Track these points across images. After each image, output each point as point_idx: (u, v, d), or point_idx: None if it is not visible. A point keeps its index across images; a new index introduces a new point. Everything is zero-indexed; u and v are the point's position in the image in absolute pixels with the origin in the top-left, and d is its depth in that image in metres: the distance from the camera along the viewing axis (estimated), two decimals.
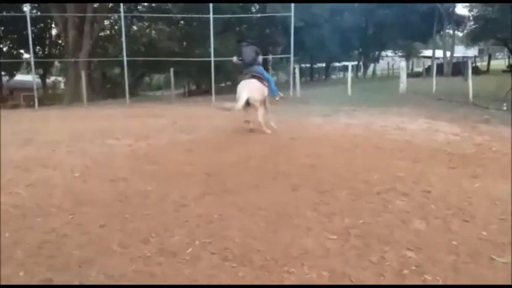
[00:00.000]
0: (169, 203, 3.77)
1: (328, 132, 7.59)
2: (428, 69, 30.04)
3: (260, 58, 7.92)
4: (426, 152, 5.77)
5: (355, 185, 4.20)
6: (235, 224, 3.26)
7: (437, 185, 4.22)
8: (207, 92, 20.08)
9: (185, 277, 2.46)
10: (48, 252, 2.79)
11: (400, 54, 40.10)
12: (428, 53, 37.67)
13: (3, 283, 2.41)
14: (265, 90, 7.59)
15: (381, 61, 41.83)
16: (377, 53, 40.56)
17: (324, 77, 40.09)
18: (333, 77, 42.29)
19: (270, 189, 4.16)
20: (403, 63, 18.29)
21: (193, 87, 32.43)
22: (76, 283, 2.39)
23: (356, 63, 38.08)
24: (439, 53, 33.15)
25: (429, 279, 2.44)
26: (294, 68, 17.89)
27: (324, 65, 39.98)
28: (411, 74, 29.86)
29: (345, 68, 34.78)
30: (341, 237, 3.00)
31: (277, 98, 8.24)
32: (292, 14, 17.09)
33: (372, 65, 42.34)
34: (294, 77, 17.66)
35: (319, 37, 26.74)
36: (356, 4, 32.19)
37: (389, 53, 41.76)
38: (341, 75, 41.82)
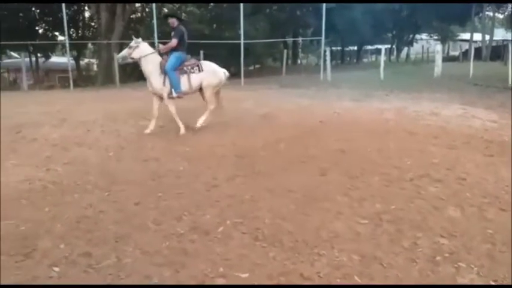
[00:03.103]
0: (201, 183, 3.84)
1: (359, 117, 7.45)
2: (465, 53, 28.91)
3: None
4: (461, 138, 5.60)
5: (387, 171, 4.14)
6: (266, 205, 3.29)
7: (473, 172, 4.11)
8: (236, 75, 20.10)
9: (217, 255, 2.51)
10: (86, 227, 2.91)
11: (436, 37, 38.64)
12: (465, 36, 36.15)
13: (43, 254, 2.53)
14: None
15: (415, 44, 40.50)
16: (411, 36, 39.27)
17: (355, 60, 39.21)
18: (365, 60, 41.33)
19: (300, 173, 4.16)
20: (438, 47, 17.65)
21: None
22: (113, 257, 2.48)
23: (389, 46, 37.05)
24: (477, 36, 31.79)
25: (463, 267, 2.40)
26: (325, 51, 17.55)
27: (355, 47, 39.10)
28: (447, 58, 28.75)
29: (378, 51, 33.91)
30: (372, 222, 2.98)
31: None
32: None
33: (405, 49, 41.10)
34: (325, 60, 17.35)
35: (351, 19, 26.07)
36: None
37: (424, 36, 40.31)
38: (373, 59, 40.83)
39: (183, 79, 6.25)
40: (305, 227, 2.90)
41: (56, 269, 2.37)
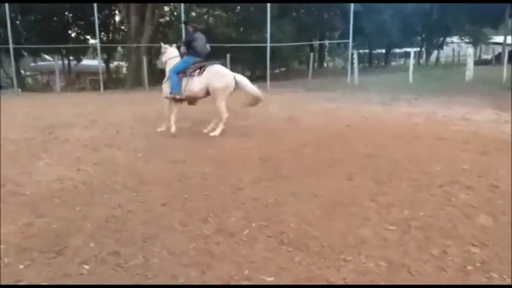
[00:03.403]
0: (227, 186, 3.86)
1: (387, 121, 7.35)
2: (498, 57, 28.05)
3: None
4: (494, 144, 5.43)
5: (415, 176, 4.05)
6: (291, 209, 3.28)
7: (506, 179, 3.96)
8: (261, 78, 20.15)
9: (242, 258, 2.52)
10: (115, 227, 2.97)
11: (467, 40, 37.63)
12: (499, 39, 35.04)
13: (74, 252, 2.60)
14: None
15: (445, 47, 39.53)
16: (441, 39, 38.37)
17: (383, 63, 38.66)
18: (393, 63, 40.64)
19: (326, 177, 4.13)
20: (470, 50, 17.16)
21: (248, 73, 32.71)
22: (140, 257, 2.53)
23: (418, 49, 36.32)
24: (510, 39, 30.79)
25: (495, 277, 2.32)
26: (353, 54, 17.40)
27: (383, 51, 38.53)
28: (479, 62, 27.92)
29: (406, 55, 33.24)
30: (400, 229, 2.92)
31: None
32: None
33: (435, 52, 40.19)
34: (352, 63, 17.19)
35: (379, 22, 25.73)
36: None
37: (455, 39, 39.32)
38: (402, 62, 40.11)
39: (183, 82, 6.31)
40: (331, 232, 2.87)
41: (86, 266, 2.43)
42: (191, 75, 6.31)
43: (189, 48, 6.55)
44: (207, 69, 6.32)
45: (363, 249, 2.62)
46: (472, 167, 4.38)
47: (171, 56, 6.63)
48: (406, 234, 2.85)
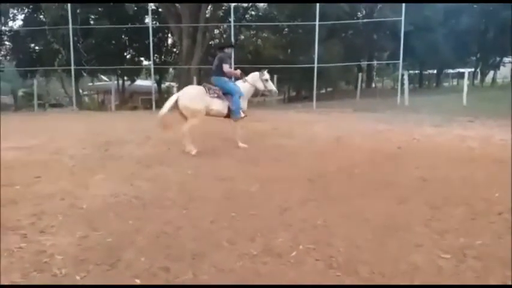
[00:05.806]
0: (273, 206, 3.85)
1: (440, 144, 7.07)
2: None
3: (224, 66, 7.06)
4: None
5: (472, 202, 3.85)
6: (340, 232, 3.21)
7: None
8: (307, 98, 20.13)
9: (290, 280, 2.49)
10: (165, 242, 3.04)
11: None
12: None
13: (126, 266, 2.68)
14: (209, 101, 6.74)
15: (502, 68, 37.69)
16: (498, 58, 36.67)
17: (434, 84, 37.47)
18: (445, 84, 39.24)
19: (377, 200, 4.02)
20: None
21: (293, 94, 32.84)
22: (190, 273, 2.57)
23: (473, 69, 34.90)
24: None
25: None
26: (403, 75, 17.01)
27: (435, 71, 37.38)
28: None
29: (459, 75, 32.10)
30: (455, 257, 2.77)
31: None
32: (403, 18, 16.31)
33: (491, 72, 38.39)
34: (403, 84, 16.80)
35: (431, 41, 25.06)
36: (475, 5, 29.59)
37: None
38: (454, 83, 38.68)
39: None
40: (382, 257, 2.78)
41: (137, 280, 2.50)
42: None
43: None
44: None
45: (416, 277, 2.51)
46: None
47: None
48: (462, 263, 2.70)
